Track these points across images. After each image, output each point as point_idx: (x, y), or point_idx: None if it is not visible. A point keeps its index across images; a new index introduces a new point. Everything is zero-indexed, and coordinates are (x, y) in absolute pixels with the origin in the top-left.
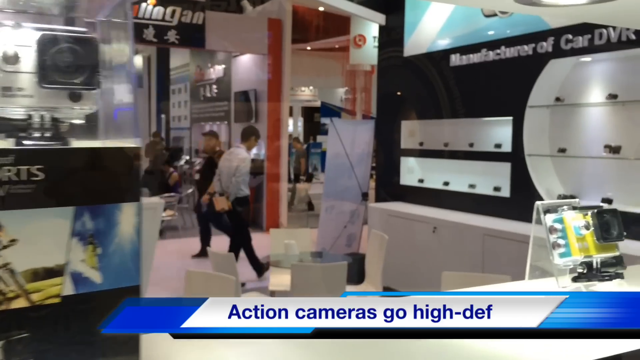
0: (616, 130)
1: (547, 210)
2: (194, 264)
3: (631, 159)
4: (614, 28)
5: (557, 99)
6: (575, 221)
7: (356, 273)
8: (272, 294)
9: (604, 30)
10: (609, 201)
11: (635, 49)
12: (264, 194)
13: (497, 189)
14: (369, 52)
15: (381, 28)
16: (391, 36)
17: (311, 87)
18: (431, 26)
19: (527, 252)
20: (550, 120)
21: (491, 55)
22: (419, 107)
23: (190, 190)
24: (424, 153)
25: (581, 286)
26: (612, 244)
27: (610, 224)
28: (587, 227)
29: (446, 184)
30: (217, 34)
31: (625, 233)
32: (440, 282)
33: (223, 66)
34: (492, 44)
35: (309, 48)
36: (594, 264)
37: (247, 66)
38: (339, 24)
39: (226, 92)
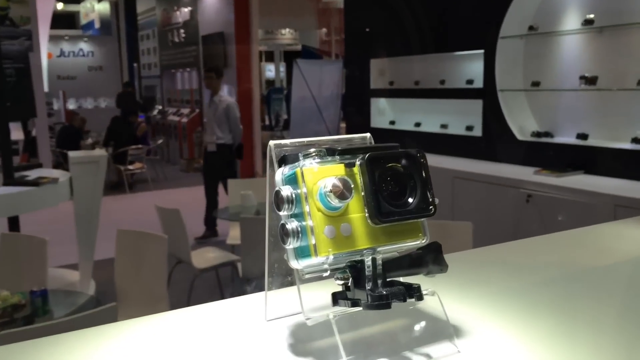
0: (592, 59)
1: (283, 160)
2: None
3: (608, 90)
4: None
5: (531, 28)
6: (325, 181)
7: None
8: (232, 248)
9: None
10: (584, 136)
11: None
12: None
13: (469, 128)
14: None
15: None
16: None
17: (291, 30)
18: None
19: (496, 194)
20: (523, 51)
21: None
22: (388, 43)
23: (160, 141)
24: (394, 93)
25: (341, 320)
26: (404, 224)
27: (403, 181)
28: (341, 193)
29: (418, 124)
30: None
31: (437, 201)
32: None
33: (189, 8)
34: None
35: None
36: (367, 269)
37: (213, 7)
38: None
39: (194, 36)
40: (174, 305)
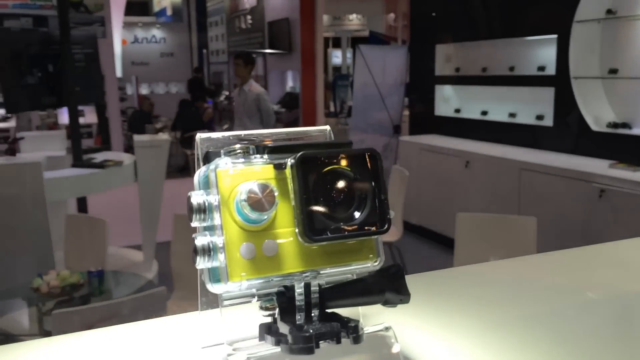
0: None
1: (207, 157)
2: None
3: None
4: None
5: (609, 11)
6: (243, 186)
7: None
8: None
9: None
10: None
11: None
12: None
13: (539, 117)
14: None
15: None
16: None
17: (358, 16)
18: None
19: (567, 188)
20: (600, 36)
21: None
22: (454, 28)
23: (226, 127)
24: (460, 80)
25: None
26: (350, 242)
27: (350, 189)
28: (258, 203)
29: (484, 113)
30: None
31: (392, 214)
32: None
33: None
34: None
35: None
36: (298, 297)
37: None
38: None
39: (260, 22)
40: None
